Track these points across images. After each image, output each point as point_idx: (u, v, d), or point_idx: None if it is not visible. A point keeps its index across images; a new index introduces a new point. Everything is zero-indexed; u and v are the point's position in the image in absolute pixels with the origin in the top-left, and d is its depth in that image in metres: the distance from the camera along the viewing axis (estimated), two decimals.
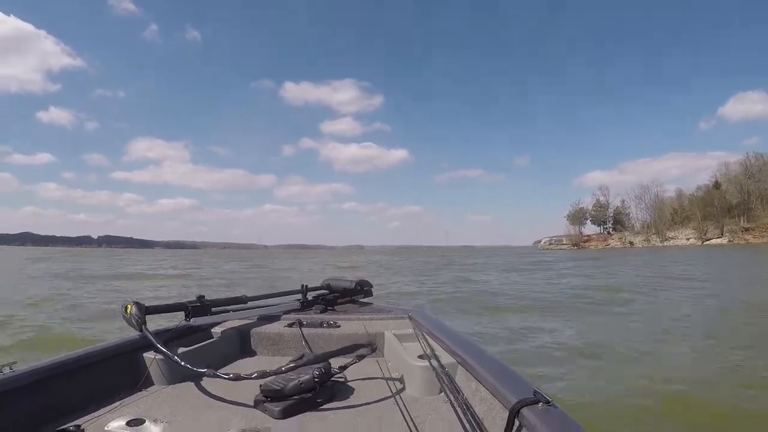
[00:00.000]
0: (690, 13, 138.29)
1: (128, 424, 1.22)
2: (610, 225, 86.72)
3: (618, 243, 79.57)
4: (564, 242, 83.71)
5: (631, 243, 78.15)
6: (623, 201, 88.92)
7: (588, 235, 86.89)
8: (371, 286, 2.94)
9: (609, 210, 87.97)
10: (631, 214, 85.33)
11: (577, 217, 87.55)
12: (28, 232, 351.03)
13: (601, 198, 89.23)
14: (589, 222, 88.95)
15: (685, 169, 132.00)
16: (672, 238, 74.93)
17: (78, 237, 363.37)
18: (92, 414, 1.32)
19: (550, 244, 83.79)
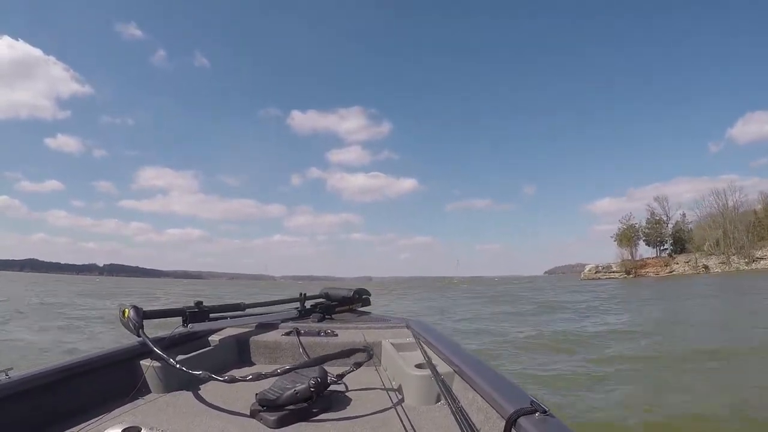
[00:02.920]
0: (692, 30, 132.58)
1: None
2: (669, 245, 68.17)
3: (686, 268, 60.97)
4: (614, 269, 65.32)
5: (705, 267, 59.51)
6: (683, 215, 70.49)
7: (644, 259, 68.18)
8: (369, 294, 2.98)
9: (668, 226, 69.57)
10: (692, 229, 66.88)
11: (629, 237, 69.17)
12: (33, 259, 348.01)
13: (658, 210, 70.91)
14: (642, 242, 70.58)
15: (696, 194, 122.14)
16: (762, 258, 56.41)
17: (83, 265, 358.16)
18: (88, 422, 1.31)
19: (596, 273, 65.45)
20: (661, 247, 70.03)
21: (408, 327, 2.18)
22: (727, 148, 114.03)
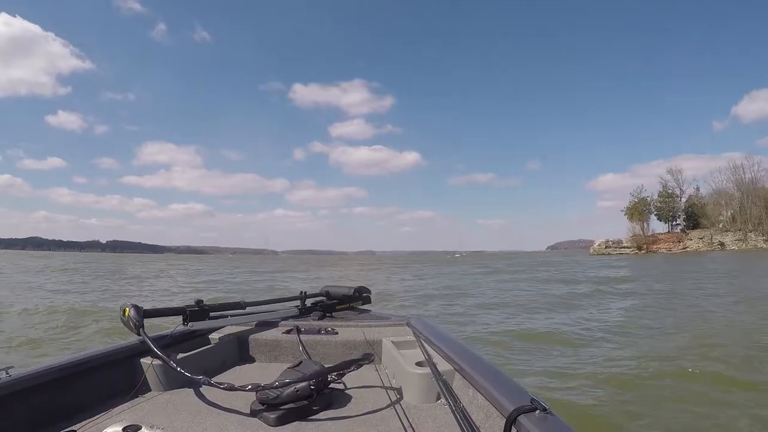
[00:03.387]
0: (700, 9, 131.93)
1: (124, 430, 1.22)
2: (681, 220, 65.33)
3: (700, 244, 58.47)
4: (624, 245, 62.82)
5: (721, 244, 56.99)
6: (697, 189, 67.35)
7: (655, 235, 65.59)
8: (370, 292, 2.94)
9: (681, 200, 66.53)
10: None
11: (640, 211, 66.29)
12: (36, 237, 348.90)
13: (671, 183, 67.64)
14: (653, 217, 67.67)
15: (699, 171, 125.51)
16: None
17: (86, 242, 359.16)
18: (88, 420, 1.32)
19: (606, 248, 63.01)
20: (673, 222, 67.37)
21: (408, 325, 2.18)
22: (732, 126, 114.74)
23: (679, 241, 61.37)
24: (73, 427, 1.26)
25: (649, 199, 67.41)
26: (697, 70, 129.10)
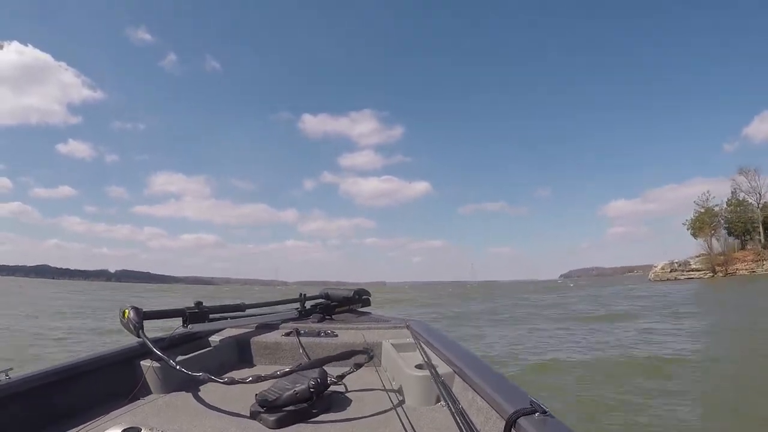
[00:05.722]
0: (706, 29, 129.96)
1: None
2: (761, 234, 51.74)
3: None
4: (693, 266, 49.51)
5: None
6: None
7: (728, 254, 51.72)
8: (369, 294, 2.93)
9: (758, 209, 53.10)
10: None
11: (708, 223, 53.15)
12: (45, 265, 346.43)
13: (745, 186, 54.44)
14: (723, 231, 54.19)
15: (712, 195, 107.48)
16: None
17: (94, 271, 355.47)
18: (88, 422, 1.31)
19: (671, 272, 49.85)
20: (744, 237, 53.85)
21: (408, 327, 2.18)
22: (743, 148, 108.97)
23: (762, 260, 47.93)
24: (73, 430, 1.25)
25: (717, 208, 54.46)
26: (707, 92, 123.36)
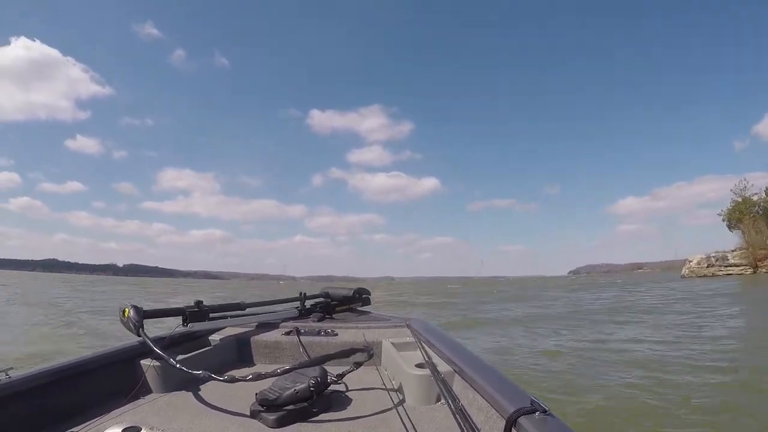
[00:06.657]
0: (716, 29, 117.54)
1: (124, 431, 1.23)
2: None
3: None
4: (731, 262, 44.06)
5: None
6: None
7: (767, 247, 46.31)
8: (369, 294, 2.96)
9: None
10: None
11: (745, 213, 47.64)
12: (52, 259, 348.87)
13: None
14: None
15: (721, 192, 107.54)
16: None
17: (102, 265, 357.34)
18: (88, 422, 1.32)
19: (708, 267, 44.62)
20: None
21: (408, 326, 2.18)
22: (753, 145, 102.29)
23: None
24: (73, 429, 1.25)
25: (756, 198, 48.92)
26: (717, 91, 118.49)
